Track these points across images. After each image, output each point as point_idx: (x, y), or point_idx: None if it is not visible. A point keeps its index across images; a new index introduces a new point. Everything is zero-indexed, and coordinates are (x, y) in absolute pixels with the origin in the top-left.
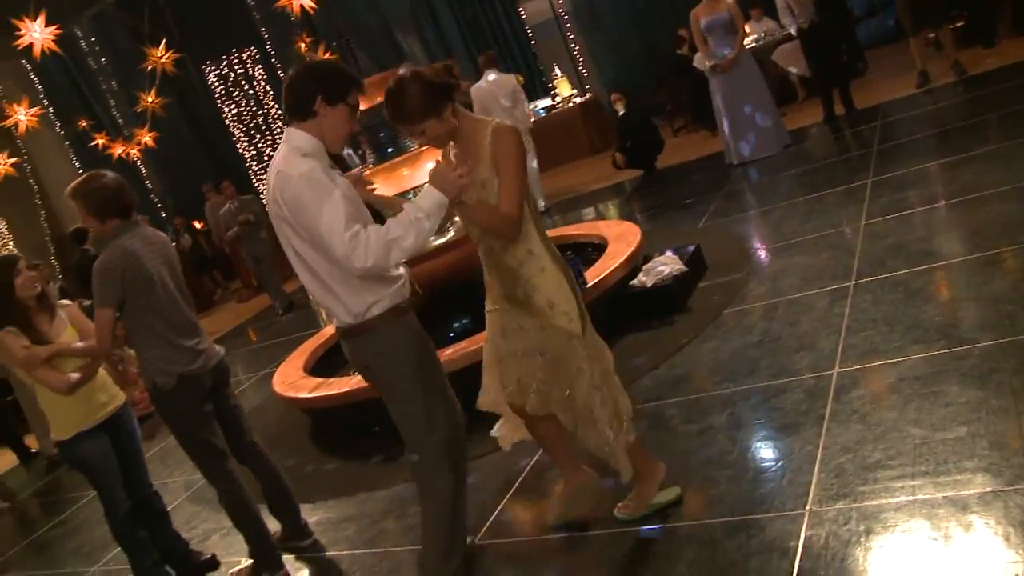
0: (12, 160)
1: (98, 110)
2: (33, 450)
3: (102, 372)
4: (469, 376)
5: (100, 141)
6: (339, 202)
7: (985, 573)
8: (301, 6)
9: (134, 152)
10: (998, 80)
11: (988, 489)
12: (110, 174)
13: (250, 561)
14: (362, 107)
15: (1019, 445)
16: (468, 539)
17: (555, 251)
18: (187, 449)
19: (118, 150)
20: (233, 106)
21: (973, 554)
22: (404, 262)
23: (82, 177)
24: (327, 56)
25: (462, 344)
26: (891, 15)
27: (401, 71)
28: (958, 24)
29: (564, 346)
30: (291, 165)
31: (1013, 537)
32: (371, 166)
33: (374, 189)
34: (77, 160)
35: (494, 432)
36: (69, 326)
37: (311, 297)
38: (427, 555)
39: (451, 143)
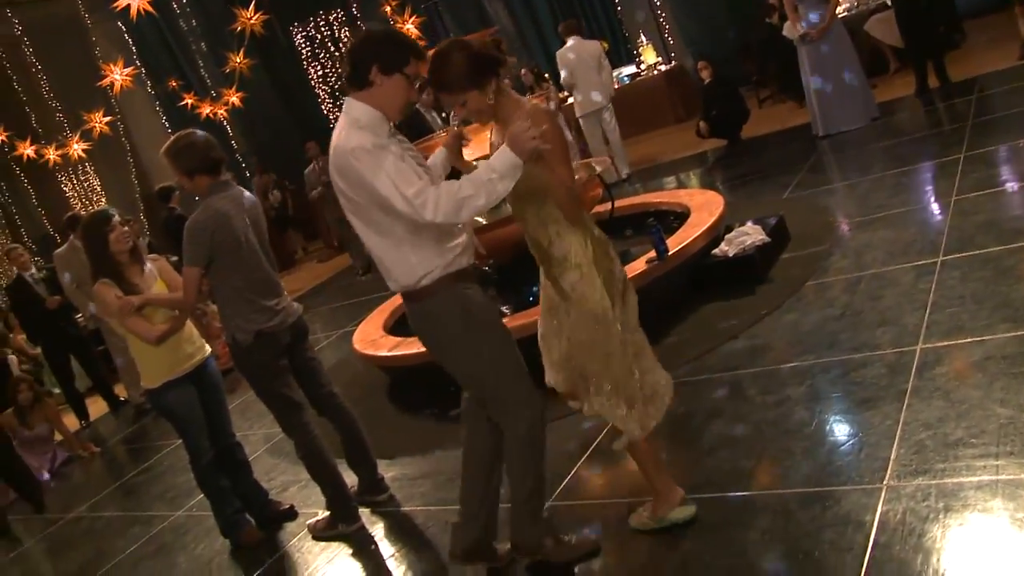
0: (107, 119)
1: (187, 70)
2: (122, 398)
3: (189, 324)
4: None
5: (189, 101)
6: (395, 164)
7: None
8: None
9: (221, 112)
10: None
11: None
12: (200, 132)
13: (327, 513)
14: None
15: None
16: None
17: (591, 230)
18: (265, 401)
19: (206, 110)
20: (319, 67)
21: None
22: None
23: (174, 137)
24: (412, 20)
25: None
26: None
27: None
28: None
29: (592, 329)
30: (346, 139)
31: None
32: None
33: (468, 142)
34: (166, 119)
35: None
36: (159, 279)
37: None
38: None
39: (491, 133)
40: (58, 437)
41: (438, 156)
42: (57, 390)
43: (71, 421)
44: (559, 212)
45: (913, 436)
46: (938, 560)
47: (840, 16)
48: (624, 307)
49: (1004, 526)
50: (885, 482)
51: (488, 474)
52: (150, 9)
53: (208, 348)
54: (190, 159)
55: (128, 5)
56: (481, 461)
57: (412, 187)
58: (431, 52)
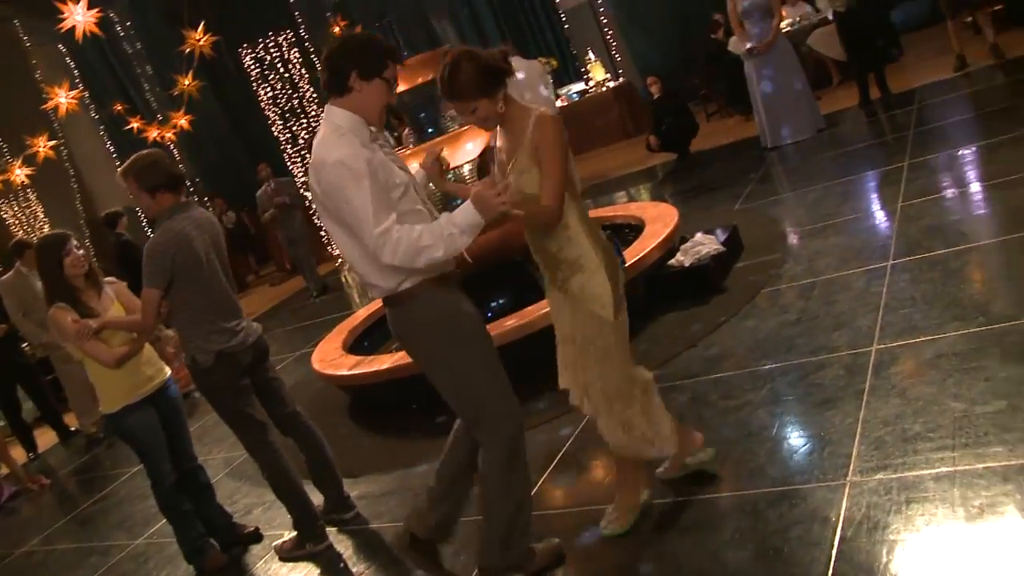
0: (52, 143)
1: (133, 94)
2: (72, 428)
3: (148, 347)
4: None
5: (135, 124)
6: (372, 192)
7: None
8: None
9: (169, 135)
10: None
11: None
12: (158, 151)
13: (293, 533)
14: (403, 87)
15: None
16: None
17: (598, 235)
18: (228, 422)
19: (153, 133)
20: (269, 89)
21: (1014, 522)
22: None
23: (133, 156)
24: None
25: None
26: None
27: (455, 49)
28: (996, 7)
29: (595, 332)
30: (327, 149)
31: None
32: (410, 147)
33: (447, 166)
34: (111, 144)
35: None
36: (116, 302)
37: (344, 274)
38: (487, 514)
39: (498, 128)
40: (4, 470)
41: (420, 173)
42: (2, 422)
43: (18, 453)
44: (569, 218)
45: (873, 433)
46: (903, 550)
47: (784, 31)
48: (620, 317)
49: (963, 514)
50: (848, 478)
51: (466, 470)
52: (96, 31)
53: (168, 370)
54: (154, 176)
55: (73, 27)
56: (455, 462)
57: (380, 224)
58: (442, 64)
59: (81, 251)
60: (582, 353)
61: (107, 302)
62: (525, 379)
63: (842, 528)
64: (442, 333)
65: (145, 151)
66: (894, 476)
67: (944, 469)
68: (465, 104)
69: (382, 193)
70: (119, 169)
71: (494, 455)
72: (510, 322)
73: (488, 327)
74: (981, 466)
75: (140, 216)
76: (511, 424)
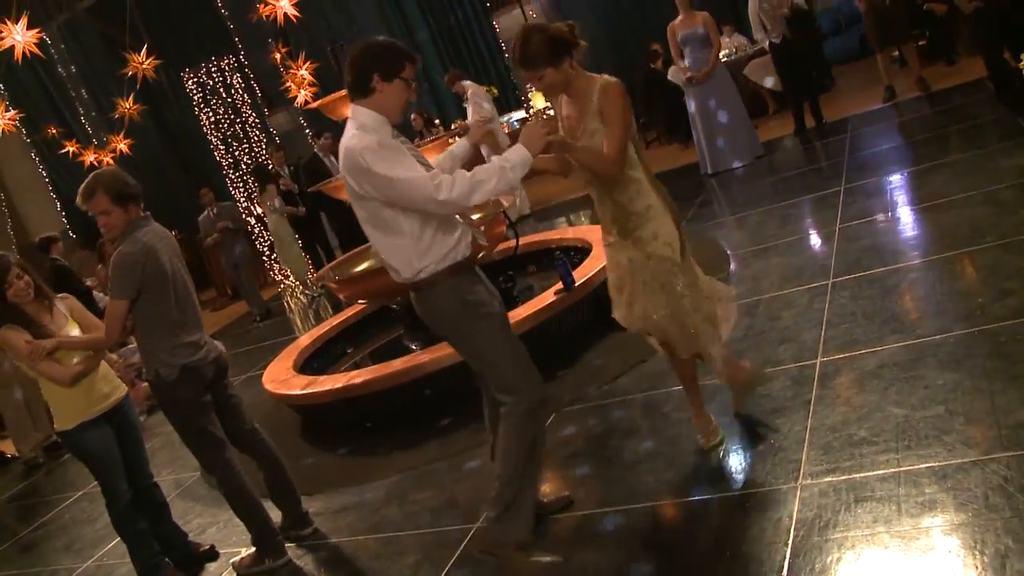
0: None
1: (68, 117)
2: (9, 455)
3: (105, 364)
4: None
5: (70, 148)
6: (410, 158)
7: (969, 533)
8: (284, 15)
9: (107, 159)
10: (959, 95)
11: (967, 459)
12: (115, 168)
13: (252, 550)
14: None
15: (992, 420)
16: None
17: (661, 188)
18: (186, 438)
19: (90, 157)
20: (211, 114)
21: (957, 516)
22: (464, 219)
23: (96, 172)
24: (306, 66)
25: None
26: (856, 34)
27: (527, 24)
28: (921, 42)
29: (667, 272)
30: (355, 141)
31: (991, 498)
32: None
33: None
34: (44, 167)
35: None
36: (70, 319)
37: (287, 300)
38: (500, 473)
39: (564, 95)
40: None
41: (458, 146)
42: None
43: None
44: (637, 172)
45: (821, 439)
46: (853, 546)
47: (722, 60)
48: (687, 262)
49: (908, 510)
50: (799, 481)
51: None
52: (36, 51)
53: (124, 388)
54: (125, 187)
55: (12, 47)
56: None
57: (430, 173)
58: (518, 34)
59: (24, 279)
60: (658, 294)
61: (60, 320)
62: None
63: (795, 528)
64: (459, 315)
65: (102, 169)
66: (842, 478)
67: (889, 470)
68: (534, 72)
69: (412, 160)
70: (82, 188)
71: (514, 419)
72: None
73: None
74: (923, 466)
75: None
76: (535, 396)
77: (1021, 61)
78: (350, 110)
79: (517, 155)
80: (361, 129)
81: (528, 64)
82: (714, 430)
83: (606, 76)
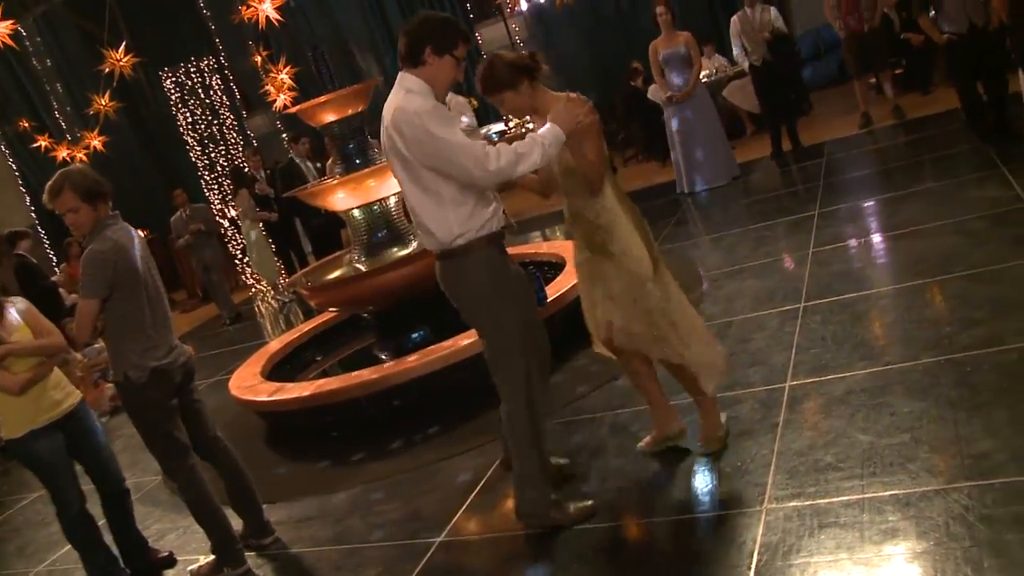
0: None
1: (41, 111)
2: None
3: (57, 370)
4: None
5: (43, 143)
6: (458, 128)
7: (930, 561)
8: (267, 18)
9: (80, 156)
10: (933, 125)
11: (930, 488)
12: (83, 166)
13: (211, 557)
14: (333, 118)
15: (956, 450)
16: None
17: (630, 204)
18: (150, 442)
19: (63, 152)
20: (188, 114)
21: (919, 544)
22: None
23: (66, 168)
24: (287, 70)
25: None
26: (835, 59)
27: (490, 54)
28: (898, 71)
29: (639, 286)
30: (407, 102)
31: (952, 527)
32: (337, 176)
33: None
34: (14, 162)
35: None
36: (22, 324)
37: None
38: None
39: (535, 114)
40: None
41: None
42: None
43: None
44: (605, 187)
45: (787, 464)
46: (816, 572)
47: (702, 81)
48: (660, 275)
49: (871, 537)
50: (764, 505)
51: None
52: (10, 43)
53: (79, 394)
54: (94, 185)
55: None
56: None
57: (477, 143)
58: (482, 63)
59: None
60: (626, 307)
61: (11, 325)
62: (457, 404)
63: (759, 552)
64: (489, 287)
65: (70, 167)
66: (807, 503)
67: (853, 496)
68: (494, 97)
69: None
70: (49, 185)
71: (516, 416)
72: (444, 350)
73: (420, 355)
74: (887, 493)
75: (43, 236)
76: (529, 384)
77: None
78: (399, 76)
79: (552, 132)
80: (410, 92)
81: (487, 90)
82: (679, 425)
83: (569, 93)
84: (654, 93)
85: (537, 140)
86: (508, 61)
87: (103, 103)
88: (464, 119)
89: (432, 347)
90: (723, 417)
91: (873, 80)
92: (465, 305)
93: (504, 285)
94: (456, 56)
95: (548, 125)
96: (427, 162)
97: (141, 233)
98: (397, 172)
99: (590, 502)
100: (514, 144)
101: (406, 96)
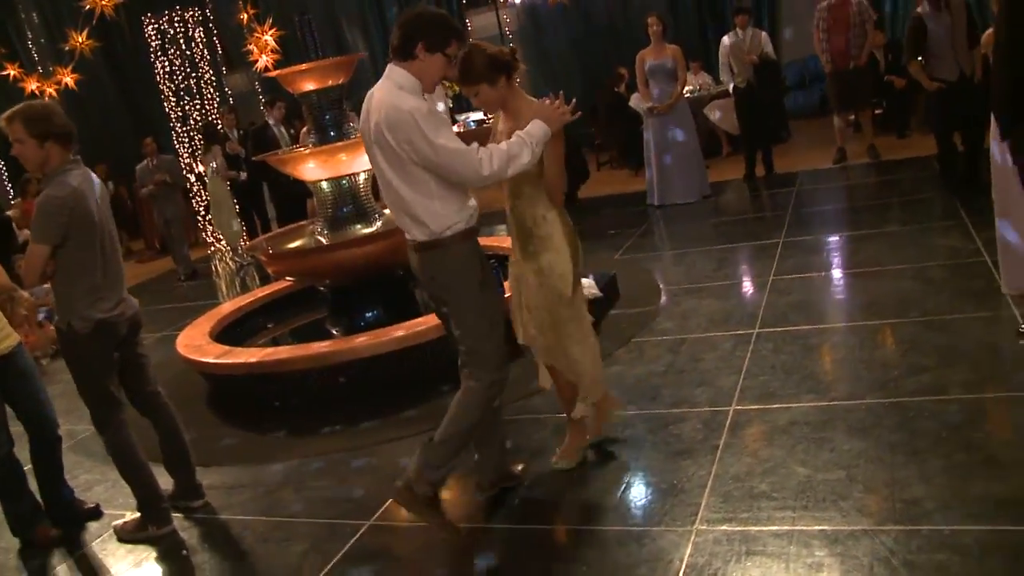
0: None
1: (14, 39)
2: None
3: None
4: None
5: (12, 72)
6: (450, 130)
7: None
8: None
9: (49, 91)
10: (906, 168)
11: (859, 527)
12: (53, 103)
13: (136, 515)
14: (313, 87)
15: (889, 493)
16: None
17: (568, 221)
18: (84, 394)
19: (32, 85)
20: (167, 63)
21: None
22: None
23: (34, 102)
24: (272, 32)
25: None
26: (818, 91)
27: (472, 43)
28: (877, 111)
29: (555, 303)
30: (399, 99)
31: (876, 568)
32: (310, 146)
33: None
34: None
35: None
36: None
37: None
38: (441, 442)
39: (501, 113)
40: None
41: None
42: None
43: None
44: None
45: (722, 487)
46: None
47: (685, 96)
48: (576, 296)
49: (796, 569)
50: (695, 526)
51: (494, 421)
52: None
53: (16, 337)
54: (47, 125)
55: None
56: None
57: (470, 147)
58: (462, 50)
59: None
60: (540, 319)
61: None
62: (404, 389)
63: (684, 572)
64: (471, 277)
65: (35, 101)
66: (738, 528)
67: (784, 527)
68: (471, 87)
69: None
70: (4, 114)
71: (478, 393)
72: (398, 332)
73: (373, 335)
74: (817, 528)
75: (3, 170)
76: (502, 372)
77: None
78: (388, 69)
79: (539, 130)
80: (398, 87)
81: (466, 79)
82: (572, 454)
83: (545, 100)
84: (636, 102)
85: (525, 139)
86: (490, 54)
87: (80, 40)
88: (439, 105)
89: (385, 328)
90: (585, 452)
91: (852, 117)
92: (452, 293)
93: (487, 275)
94: (448, 54)
95: (533, 122)
96: (419, 161)
97: (99, 180)
98: (381, 164)
99: (461, 526)
100: (504, 144)
101: (398, 93)
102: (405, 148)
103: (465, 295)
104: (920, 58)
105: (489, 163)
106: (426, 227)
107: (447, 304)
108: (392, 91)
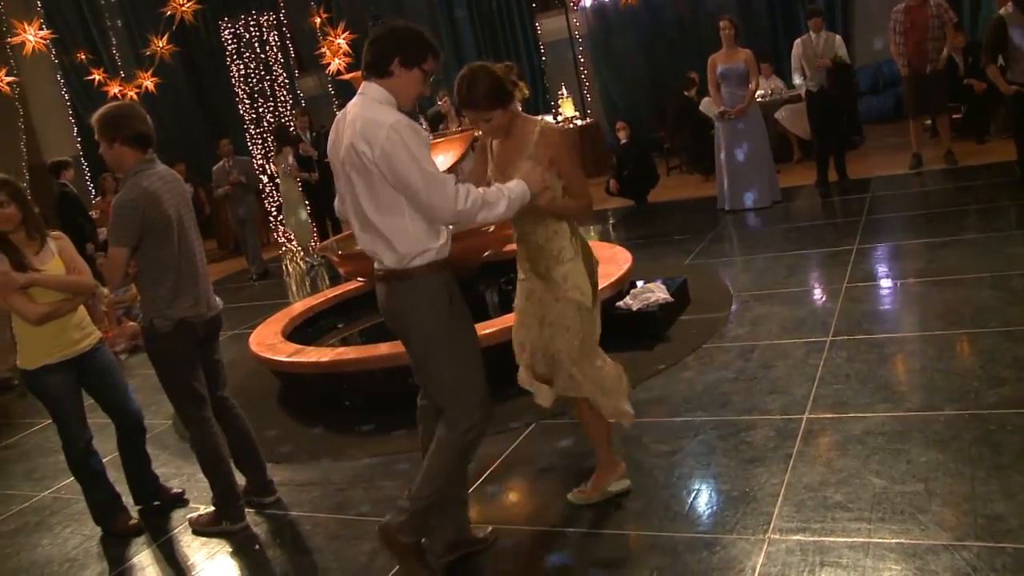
0: (9, 79)
1: (99, 45)
2: None
3: (83, 310)
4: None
5: (97, 76)
6: (429, 153)
7: None
8: None
9: (131, 93)
10: (985, 175)
11: (938, 542)
12: (135, 106)
13: (211, 509)
14: None
15: (970, 507)
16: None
17: (581, 236)
18: (169, 390)
19: (115, 88)
20: (242, 66)
21: None
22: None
23: (113, 104)
24: (344, 35)
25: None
26: (893, 95)
27: (471, 64)
28: (955, 116)
29: (573, 315)
30: (380, 114)
31: None
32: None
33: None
34: (67, 92)
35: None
36: (56, 257)
37: (286, 263)
38: (415, 498)
39: (491, 141)
40: None
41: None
42: None
43: None
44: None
45: (795, 496)
46: None
47: (756, 100)
48: (595, 309)
49: None
50: (767, 535)
51: (458, 478)
52: None
53: (98, 334)
54: (117, 127)
55: None
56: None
57: (448, 180)
58: (462, 74)
59: (9, 209)
60: (555, 336)
61: (46, 257)
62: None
63: None
64: (441, 311)
65: (123, 102)
66: (811, 539)
67: (859, 539)
68: (482, 113)
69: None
70: (96, 115)
71: (451, 443)
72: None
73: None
74: (894, 541)
75: (85, 170)
76: (482, 413)
77: None
78: (362, 86)
79: (520, 189)
80: (376, 102)
81: (475, 106)
82: (592, 491)
83: (544, 119)
84: (707, 106)
85: (504, 192)
86: (497, 77)
87: (161, 45)
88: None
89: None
90: (618, 484)
91: (929, 122)
92: (424, 328)
93: (459, 308)
94: (425, 70)
95: (517, 181)
96: (392, 180)
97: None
98: (351, 184)
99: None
100: (483, 191)
101: (377, 107)
102: (381, 164)
103: (443, 330)
104: (1001, 62)
105: (464, 199)
106: (395, 252)
107: (410, 342)
108: (370, 106)
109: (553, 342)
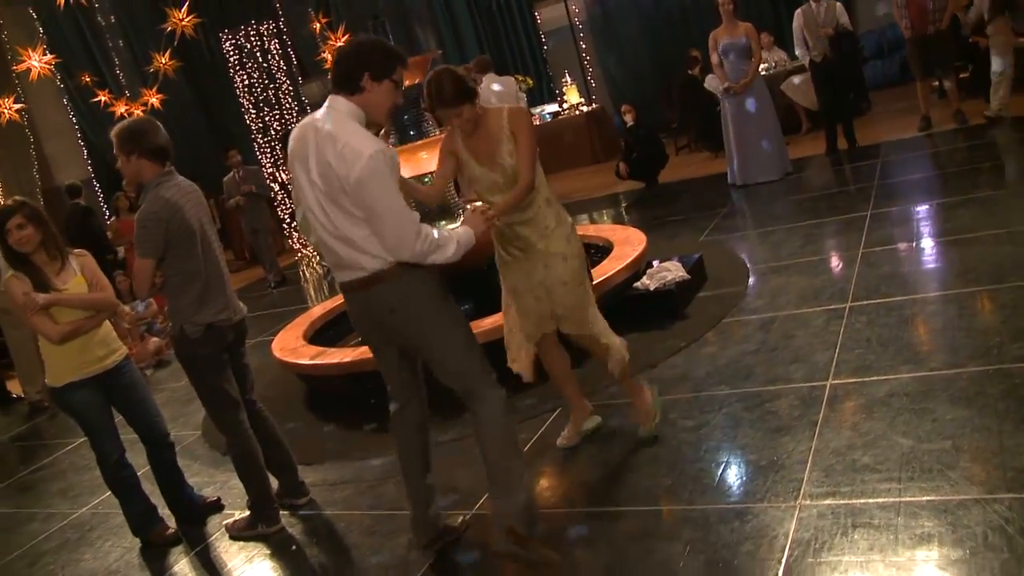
0: (18, 106)
1: (103, 66)
2: (15, 395)
3: (107, 326)
4: None
5: (103, 97)
6: (398, 186)
7: (964, 570)
8: None
9: (137, 112)
10: (996, 132)
11: (969, 496)
12: (152, 120)
13: (246, 513)
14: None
15: (999, 461)
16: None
17: (559, 208)
18: (203, 395)
19: (121, 108)
20: (245, 77)
21: (954, 552)
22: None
23: (130, 119)
24: (346, 37)
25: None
26: (898, 59)
27: (436, 68)
28: (963, 75)
29: (569, 269)
30: (359, 139)
31: (991, 537)
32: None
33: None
34: (74, 115)
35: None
36: (78, 275)
37: (303, 269)
38: (494, 476)
39: (458, 142)
40: None
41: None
42: None
43: None
44: (545, 189)
45: (823, 461)
46: (846, 571)
47: (760, 73)
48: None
49: (905, 540)
50: (798, 501)
51: (423, 472)
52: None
53: (124, 350)
54: (133, 142)
55: None
56: (416, 462)
57: (413, 217)
58: (426, 80)
59: (28, 230)
60: (565, 294)
61: (68, 276)
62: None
63: (790, 547)
64: (434, 302)
65: (141, 117)
66: (842, 502)
67: (889, 499)
68: (453, 109)
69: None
70: (114, 130)
71: (493, 410)
72: (486, 326)
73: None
74: (924, 499)
75: (97, 190)
76: (498, 391)
77: None
78: (331, 100)
79: (466, 235)
80: (348, 118)
81: (446, 103)
82: (647, 418)
83: (508, 105)
84: (712, 83)
85: (453, 236)
86: (460, 76)
87: (163, 61)
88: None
89: (475, 321)
90: (652, 393)
91: (936, 83)
92: (422, 318)
93: (445, 300)
94: (395, 80)
95: (462, 228)
96: (362, 209)
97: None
98: (320, 199)
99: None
100: (436, 232)
101: (349, 124)
102: (353, 192)
103: (438, 315)
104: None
105: (424, 240)
106: (375, 256)
107: (410, 336)
108: (344, 123)
109: (563, 300)
